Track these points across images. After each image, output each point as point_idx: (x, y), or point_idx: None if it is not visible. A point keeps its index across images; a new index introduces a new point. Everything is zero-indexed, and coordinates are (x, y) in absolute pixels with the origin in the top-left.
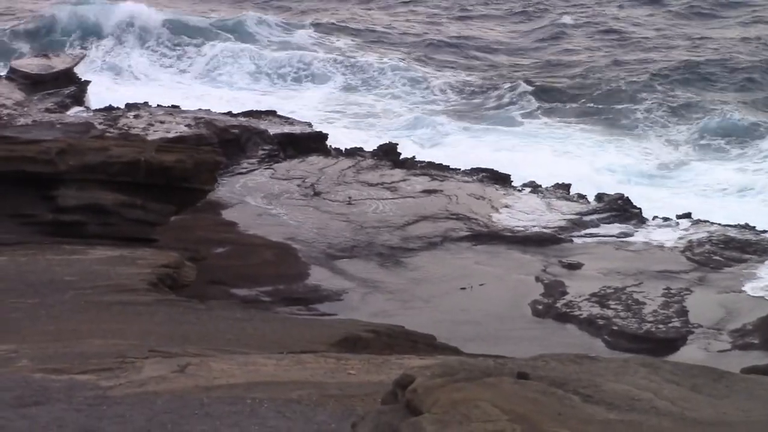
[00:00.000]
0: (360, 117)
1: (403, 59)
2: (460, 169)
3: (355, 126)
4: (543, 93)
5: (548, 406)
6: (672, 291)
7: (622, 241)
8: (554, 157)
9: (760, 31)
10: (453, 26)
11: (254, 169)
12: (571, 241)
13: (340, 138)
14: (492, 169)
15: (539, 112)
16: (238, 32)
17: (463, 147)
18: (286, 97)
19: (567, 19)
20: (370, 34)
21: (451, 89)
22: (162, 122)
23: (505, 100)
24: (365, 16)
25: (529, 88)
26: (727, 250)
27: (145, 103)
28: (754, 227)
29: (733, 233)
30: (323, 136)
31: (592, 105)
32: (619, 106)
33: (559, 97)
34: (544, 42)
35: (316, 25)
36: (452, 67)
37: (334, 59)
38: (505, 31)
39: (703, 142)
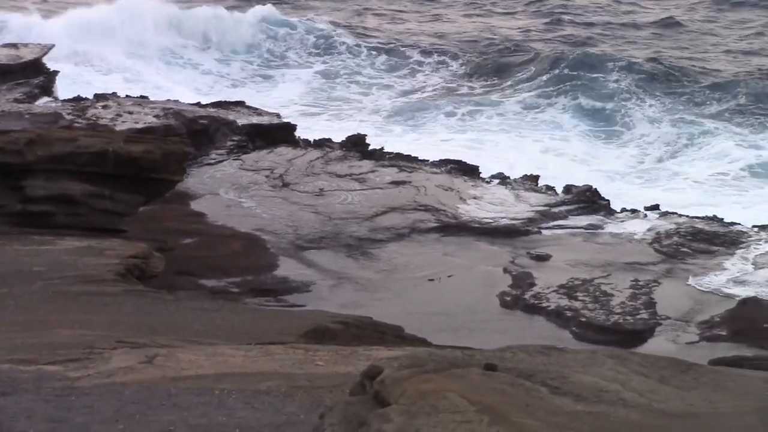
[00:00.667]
0: None
1: None
2: (428, 161)
3: None
4: None
5: (516, 397)
6: (640, 283)
7: (591, 233)
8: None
9: None
10: None
11: (223, 160)
12: (540, 232)
13: None
14: (460, 161)
15: None
16: None
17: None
18: None
19: None
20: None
21: None
22: (130, 113)
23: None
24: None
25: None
26: (695, 242)
27: (114, 94)
28: (722, 219)
29: (701, 225)
30: (292, 127)
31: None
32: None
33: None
34: None
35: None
36: None
37: None
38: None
39: None
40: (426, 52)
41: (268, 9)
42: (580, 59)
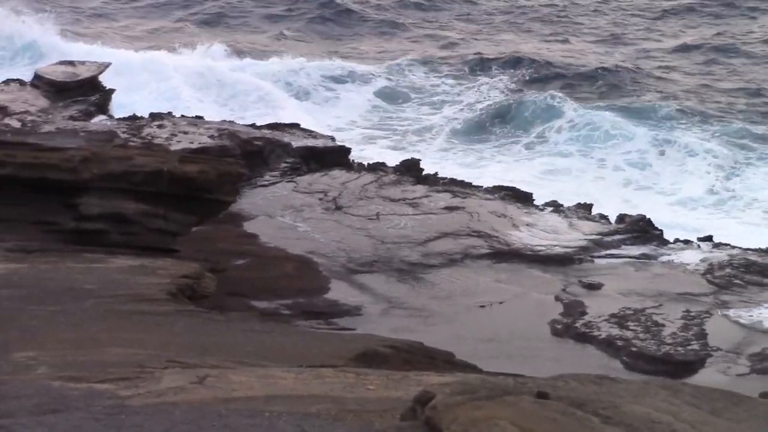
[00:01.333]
0: None
1: None
2: (482, 187)
3: None
4: None
5: (568, 426)
6: (691, 313)
7: (643, 263)
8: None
9: None
10: None
11: (276, 182)
12: (592, 261)
13: None
14: (514, 188)
15: None
16: None
17: None
18: None
19: None
20: None
21: None
22: (185, 133)
23: None
24: None
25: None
26: (748, 274)
27: (169, 113)
28: None
29: (754, 257)
30: (346, 151)
31: None
32: None
33: None
34: None
35: None
36: None
37: None
38: None
39: None
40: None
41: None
42: None
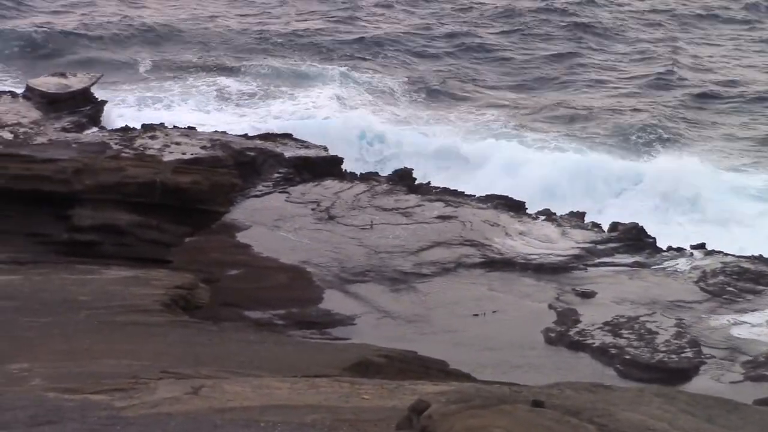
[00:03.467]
0: None
1: None
2: (474, 196)
3: None
4: None
5: None
6: (685, 321)
7: (636, 271)
8: None
9: None
10: None
11: (269, 192)
12: (585, 269)
13: None
14: (507, 196)
15: None
16: None
17: None
18: None
19: None
20: None
21: None
22: (178, 143)
23: None
24: None
25: None
26: (741, 281)
27: (161, 124)
28: None
29: (746, 264)
30: (338, 160)
31: None
32: None
33: None
34: None
35: None
36: None
37: None
38: None
39: None
40: None
41: None
42: None
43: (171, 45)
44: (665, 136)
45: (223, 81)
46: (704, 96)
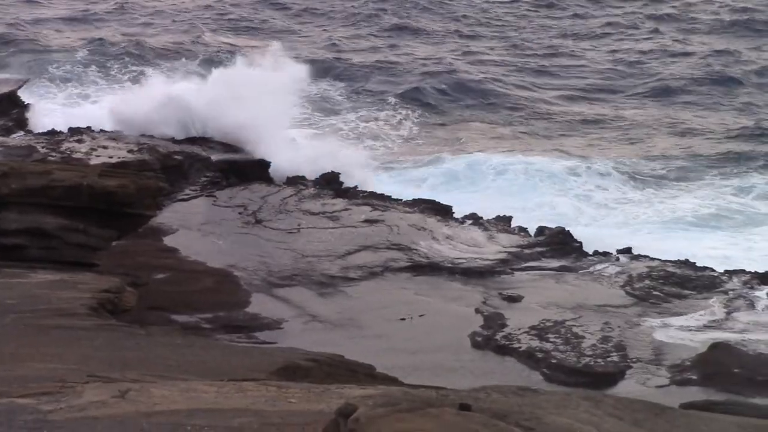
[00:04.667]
0: None
1: None
2: (401, 200)
3: None
4: None
5: None
6: (611, 325)
7: (562, 275)
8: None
9: None
10: None
11: (197, 196)
12: (512, 273)
13: None
14: (433, 201)
15: None
16: None
17: None
18: None
19: None
20: None
21: None
22: (105, 147)
23: None
24: None
25: None
26: (667, 286)
27: (88, 128)
28: (694, 263)
29: (672, 269)
30: (266, 164)
31: None
32: None
33: None
34: None
35: None
36: None
37: None
38: None
39: None
40: None
41: None
42: None
43: None
44: None
45: None
46: None
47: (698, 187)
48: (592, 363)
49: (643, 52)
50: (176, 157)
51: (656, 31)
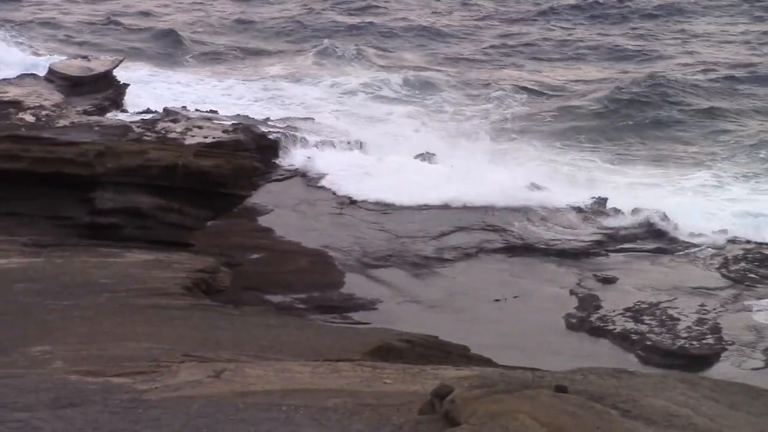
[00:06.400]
0: None
1: None
2: None
3: None
4: None
5: (587, 419)
6: (706, 307)
7: (657, 257)
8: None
9: None
10: None
11: (291, 176)
12: (607, 255)
13: None
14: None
15: None
16: None
17: None
18: None
19: None
20: None
21: None
22: (200, 127)
23: None
24: None
25: None
26: (763, 268)
27: (183, 108)
28: None
29: None
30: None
31: None
32: None
33: None
34: None
35: None
36: None
37: None
38: None
39: None
40: None
41: None
42: None
43: None
44: None
45: None
46: None
47: None
48: (687, 345)
49: None
50: (271, 137)
51: None
